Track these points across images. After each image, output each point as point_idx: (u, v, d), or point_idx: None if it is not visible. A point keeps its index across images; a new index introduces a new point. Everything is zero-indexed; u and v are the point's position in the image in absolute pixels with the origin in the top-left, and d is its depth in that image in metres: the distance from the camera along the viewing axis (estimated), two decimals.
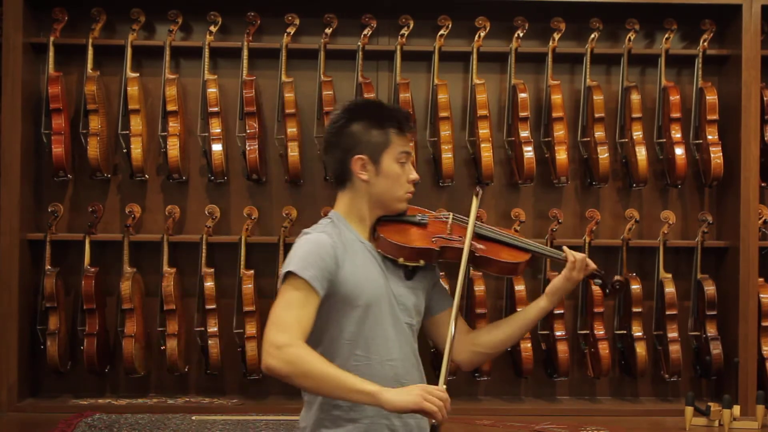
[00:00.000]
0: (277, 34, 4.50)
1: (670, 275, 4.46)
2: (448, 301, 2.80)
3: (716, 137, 4.46)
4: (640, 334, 4.41)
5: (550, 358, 4.47)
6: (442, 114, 4.40)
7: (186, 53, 4.56)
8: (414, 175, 2.69)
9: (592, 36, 4.53)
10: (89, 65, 4.38)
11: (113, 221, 4.53)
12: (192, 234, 4.51)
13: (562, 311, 4.38)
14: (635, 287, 4.43)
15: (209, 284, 4.35)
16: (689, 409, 4.01)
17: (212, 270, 4.39)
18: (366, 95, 4.36)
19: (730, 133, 4.50)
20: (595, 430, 3.98)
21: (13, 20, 4.30)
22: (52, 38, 4.38)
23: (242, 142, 4.41)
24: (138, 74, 4.42)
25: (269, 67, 4.51)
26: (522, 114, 4.42)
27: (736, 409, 4.07)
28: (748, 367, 4.35)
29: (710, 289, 4.43)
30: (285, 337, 2.40)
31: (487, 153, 4.38)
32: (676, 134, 4.47)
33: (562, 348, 4.40)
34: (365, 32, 4.47)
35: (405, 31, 4.47)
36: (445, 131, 4.39)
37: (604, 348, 4.40)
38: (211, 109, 4.38)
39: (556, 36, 4.51)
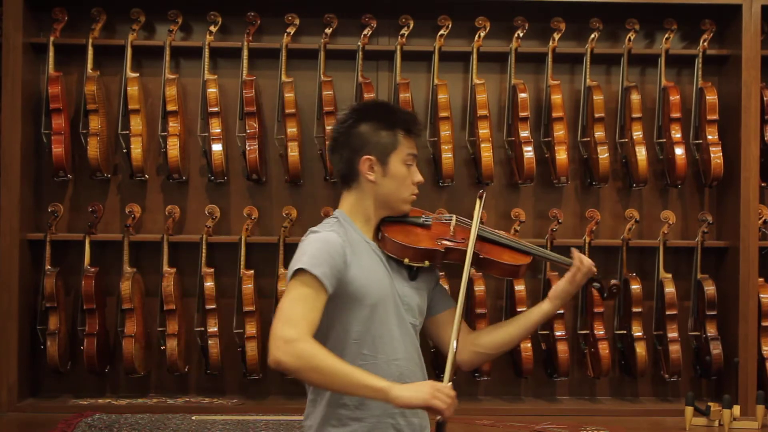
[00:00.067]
0: (277, 34, 4.50)
1: (670, 275, 4.46)
2: (449, 301, 2.82)
3: (716, 137, 4.46)
4: (640, 334, 4.41)
5: (550, 358, 4.48)
6: (442, 114, 4.40)
7: (186, 53, 4.55)
8: (419, 178, 2.71)
9: (592, 36, 4.53)
10: (89, 65, 4.38)
11: (113, 221, 4.53)
12: (192, 234, 4.51)
13: (562, 311, 4.37)
14: (635, 287, 4.43)
15: (209, 284, 4.35)
16: (689, 409, 4.01)
17: (212, 270, 4.39)
18: (366, 95, 4.35)
19: (730, 133, 4.51)
20: (595, 430, 3.98)
21: (13, 20, 4.30)
22: (52, 38, 4.38)
23: (242, 142, 4.41)
24: (138, 74, 4.42)
25: (269, 67, 4.51)
26: (522, 114, 4.42)
27: (736, 409, 4.09)
28: (748, 367, 4.35)
29: (710, 289, 4.43)
30: (294, 332, 2.40)
31: (487, 153, 4.38)
32: (676, 134, 4.47)
33: (562, 348, 4.40)
34: (365, 32, 4.47)
35: (405, 31, 4.47)
36: (445, 131, 4.39)
37: (604, 348, 4.40)
38: (211, 109, 4.38)
39: (556, 36, 4.51)
